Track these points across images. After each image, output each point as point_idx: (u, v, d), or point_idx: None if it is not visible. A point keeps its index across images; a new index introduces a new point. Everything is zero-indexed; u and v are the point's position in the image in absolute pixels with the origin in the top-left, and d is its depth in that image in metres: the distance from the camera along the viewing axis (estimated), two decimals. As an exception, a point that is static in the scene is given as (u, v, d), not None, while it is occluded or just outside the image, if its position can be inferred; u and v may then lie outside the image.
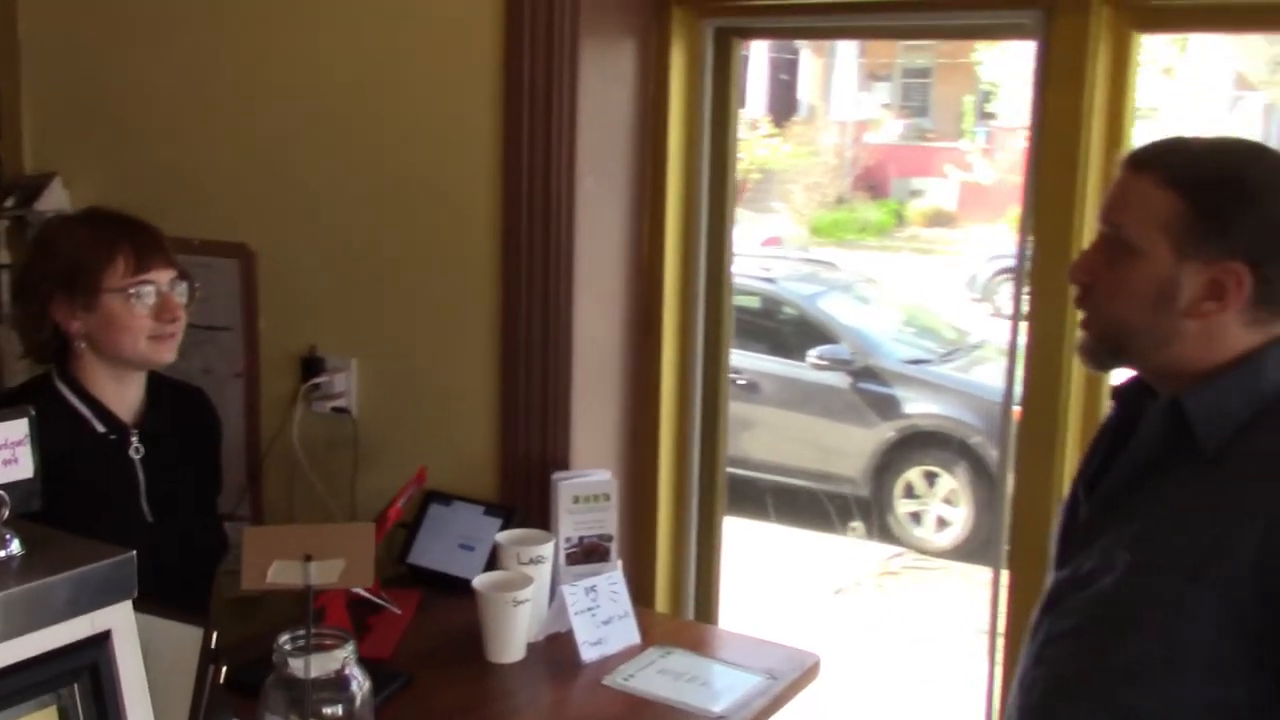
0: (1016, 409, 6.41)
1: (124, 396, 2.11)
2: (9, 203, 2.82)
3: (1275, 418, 1.37)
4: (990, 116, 14.79)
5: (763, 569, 5.76)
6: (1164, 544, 1.37)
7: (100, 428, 2.07)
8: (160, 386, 2.19)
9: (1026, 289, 2.09)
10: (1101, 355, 1.48)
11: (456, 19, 2.33)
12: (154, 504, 2.12)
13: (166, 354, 2.07)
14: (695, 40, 2.38)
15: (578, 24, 2.20)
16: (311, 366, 2.55)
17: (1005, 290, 11.97)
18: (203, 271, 2.19)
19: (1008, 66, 13.09)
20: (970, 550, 6.47)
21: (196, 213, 2.61)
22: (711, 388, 2.49)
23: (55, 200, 2.81)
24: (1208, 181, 1.37)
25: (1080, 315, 1.49)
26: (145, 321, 2.03)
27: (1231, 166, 1.39)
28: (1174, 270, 1.37)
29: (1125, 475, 1.44)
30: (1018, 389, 2.11)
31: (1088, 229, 1.98)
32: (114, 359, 2.06)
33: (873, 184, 16.77)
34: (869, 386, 6.99)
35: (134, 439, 2.11)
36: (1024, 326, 2.11)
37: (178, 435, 2.21)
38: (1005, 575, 2.20)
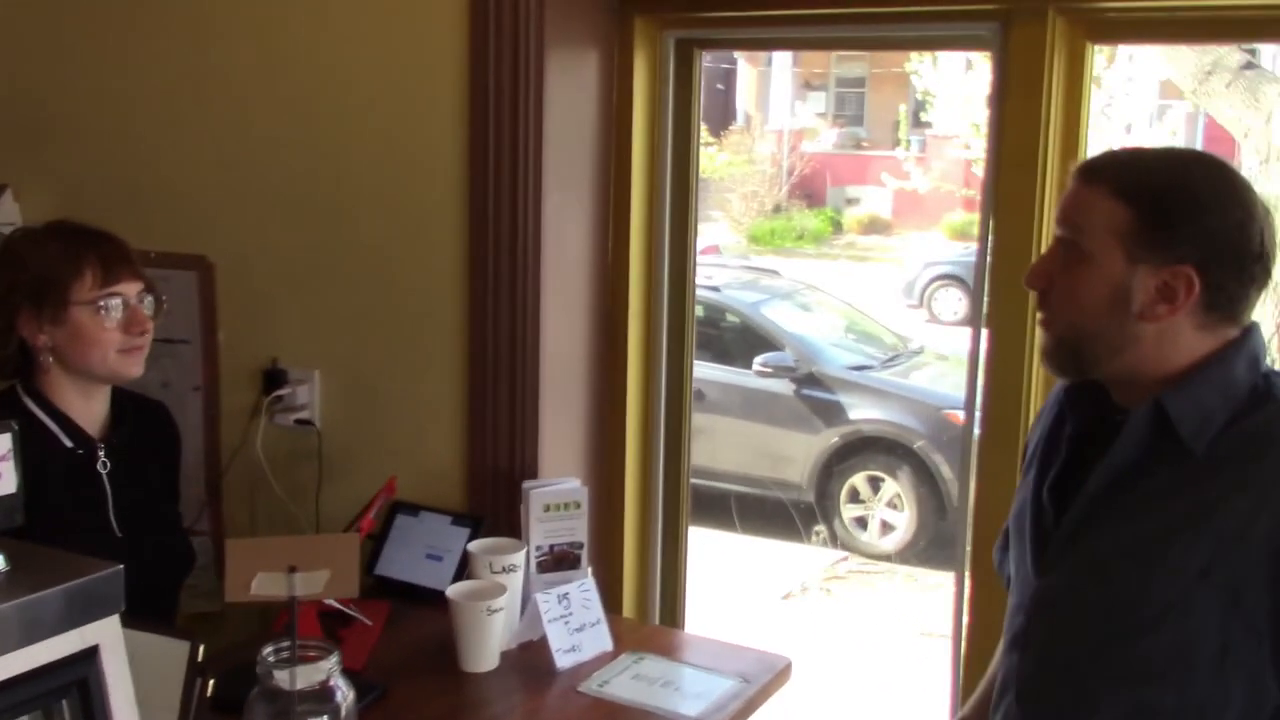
0: (954, 413, 6.38)
1: (90, 411, 2.09)
2: (-42, 216, 2.77)
3: (1252, 413, 1.41)
4: (925, 125, 14.98)
5: (710, 575, 5.79)
6: (1167, 545, 1.41)
7: (68, 443, 2.05)
8: (123, 400, 2.18)
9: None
10: (1062, 359, 1.51)
11: (420, 31, 2.33)
12: (122, 518, 2.10)
13: (135, 368, 2.06)
14: (657, 51, 2.41)
15: (542, 36, 2.21)
16: (273, 379, 2.54)
17: (941, 296, 12.16)
18: (160, 284, 2.17)
19: (941, 76, 13.27)
20: (914, 553, 6.56)
21: (153, 224, 2.58)
22: (675, 396, 2.52)
23: (6, 213, 2.76)
24: (1156, 191, 1.42)
25: (1040, 316, 1.52)
26: (114, 335, 2.01)
27: (1179, 176, 1.44)
28: (1126, 274, 1.42)
29: (1107, 479, 1.47)
30: (980, 395, 2.15)
31: (1047, 235, 2.03)
32: (82, 373, 2.04)
33: (809, 192, 16.93)
34: (812, 393, 7.05)
35: (101, 453, 2.09)
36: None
37: (142, 449, 2.19)
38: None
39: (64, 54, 2.75)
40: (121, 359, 2.03)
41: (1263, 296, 1.47)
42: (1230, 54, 4.81)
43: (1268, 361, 1.47)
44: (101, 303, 2.00)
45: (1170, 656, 1.40)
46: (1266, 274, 1.44)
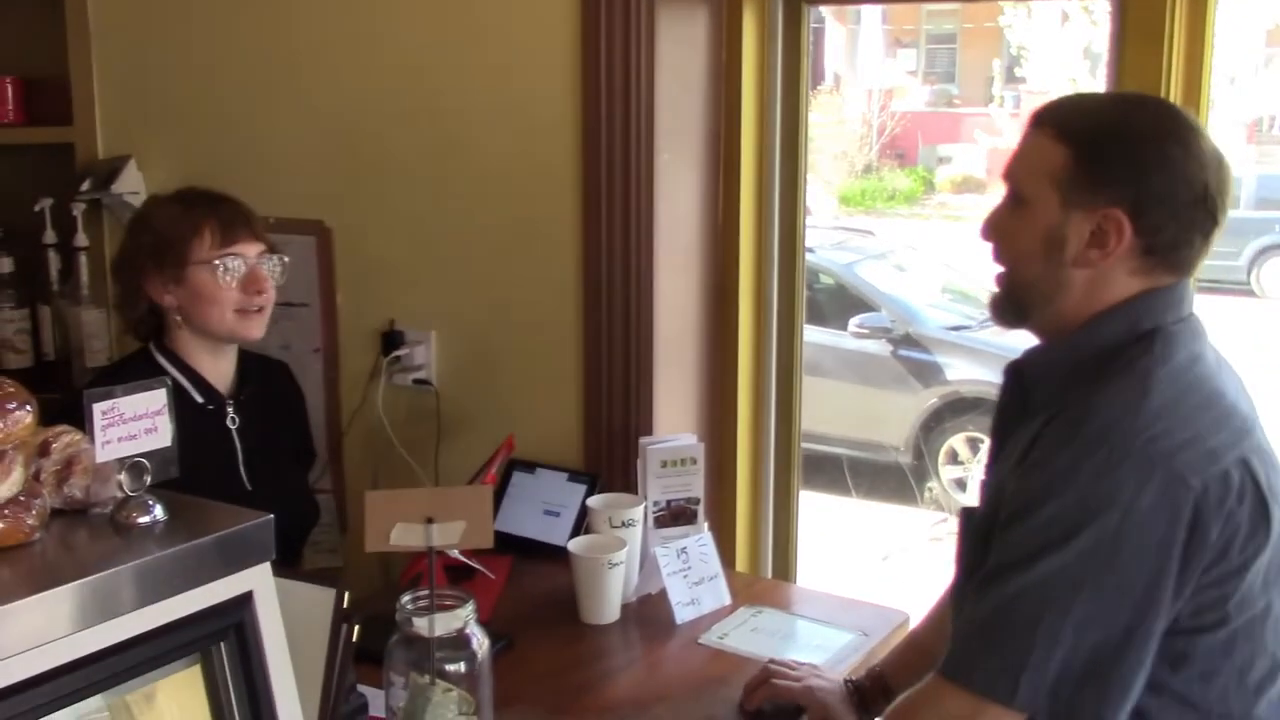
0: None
1: (219, 369, 2.17)
2: (85, 186, 2.86)
3: (1094, 379, 1.40)
4: (1018, 80, 14.68)
5: (810, 536, 5.78)
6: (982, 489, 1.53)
7: (199, 399, 2.12)
8: (248, 360, 2.25)
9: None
10: (1004, 310, 1.53)
11: (532, -8, 2.35)
12: (251, 472, 2.18)
13: (255, 330, 2.13)
14: (765, 7, 2.40)
15: (654, -7, 2.22)
16: (391, 340, 2.59)
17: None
18: (280, 249, 2.23)
19: (1035, 29, 12.99)
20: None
21: (271, 191, 2.63)
22: (786, 352, 2.52)
23: (130, 183, 2.85)
24: (1094, 132, 1.42)
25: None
26: (231, 294, 2.08)
27: (1120, 117, 1.45)
28: (1060, 219, 1.42)
29: (992, 441, 1.57)
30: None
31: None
32: (205, 333, 2.12)
33: (900, 152, 16.69)
34: (910, 354, 6.99)
35: (230, 410, 2.16)
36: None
37: (269, 406, 2.27)
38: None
39: (183, 26, 2.82)
40: (240, 320, 2.10)
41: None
42: (1347, -3, 4.65)
43: (1178, 315, 1.44)
44: (219, 262, 2.07)
45: None
46: (1212, 220, 1.42)
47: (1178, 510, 1.30)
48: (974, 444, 6.69)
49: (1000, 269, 1.52)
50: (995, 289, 1.54)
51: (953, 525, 6.48)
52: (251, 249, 2.13)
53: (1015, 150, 1.49)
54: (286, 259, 2.21)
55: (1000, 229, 1.50)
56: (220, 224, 2.10)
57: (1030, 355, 1.52)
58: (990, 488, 1.52)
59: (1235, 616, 1.36)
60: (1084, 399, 1.38)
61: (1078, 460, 1.33)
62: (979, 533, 1.47)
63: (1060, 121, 1.45)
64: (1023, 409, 1.49)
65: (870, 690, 1.78)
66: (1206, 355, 1.45)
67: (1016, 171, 1.48)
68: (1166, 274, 1.43)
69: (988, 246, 1.52)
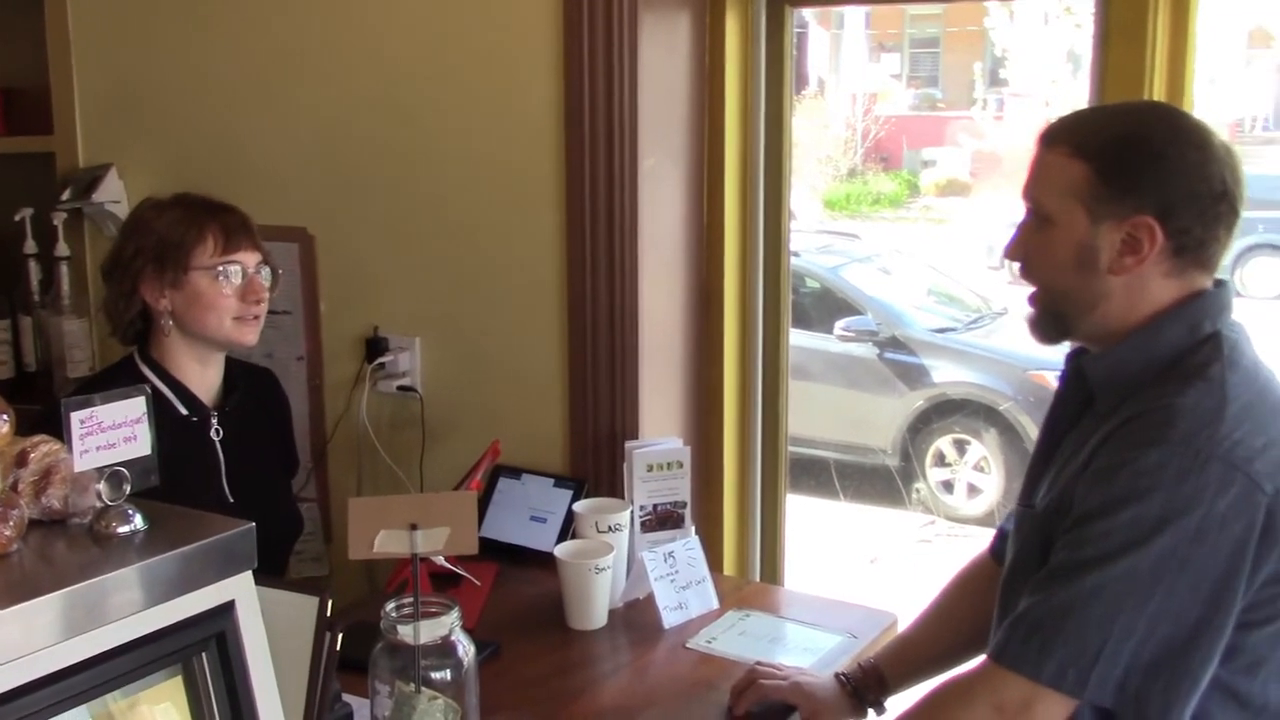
0: (1040, 374, 6.30)
1: (204, 379, 2.15)
2: (65, 195, 2.84)
3: (1162, 385, 1.43)
4: (1002, 83, 14.72)
5: (798, 539, 5.78)
6: (1038, 482, 1.57)
7: (182, 410, 2.11)
8: (234, 369, 2.24)
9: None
10: (1045, 326, 1.56)
11: (513, -4, 2.34)
12: (234, 484, 2.16)
13: (250, 336, 2.12)
14: (748, 10, 2.40)
15: (636, -1, 2.21)
16: (375, 347, 2.58)
17: (1022, 258, 11.92)
18: (267, 257, 2.22)
19: (1018, 32, 13.04)
20: (1003, 516, 6.48)
21: (253, 198, 2.58)
22: (772, 355, 2.52)
23: (111, 192, 2.83)
24: (1111, 144, 1.46)
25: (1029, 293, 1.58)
26: (231, 301, 2.07)
27: (1133, 127, 1.48)
28: (1090, 232, 1.46)
29: (1042, 434, 1.62)
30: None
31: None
32: (199, 338, 2.10)
33: (884, 155, 16.70)
34: (896, 356, 7.00)
35: (214, 420, 2.15)
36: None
37: (253, 416, 2.25)
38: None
39: (162, 34, 2.80)
40: (237, 326, 2.09)
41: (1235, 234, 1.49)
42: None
43: (1229, 320, 1.49)
44: (220, 268, 2.06)
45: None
46: (1234, 212, 1.47)
47: (1253, 514, 1.35)
48: (960, 446, 6.70)
49: (1032, 288, 1.55)
50: (1030, 308, 1.57)
51: (940, 528, 6.52)
52: (251, 258, 2.13)
53: (1030, 172, 1.53)
54: (280, 270, 2.20)
55: (1028, 249, 1.53)
56: (224, 231, 2.10)
57: (1093, 354, 1.54)
58: (1050, 483, 1.54)
59: None
60: (1164, 402, 1.40)
61: (1164, 462, 1.36)
62: (1041, 529, 1.50)
63: (1073, 139, 1.48)
64: (1083, 406, 1.54)
65: (863, 681, 1.79)
66: (1261, 361, 1.49)
67: (1037, 192, 1.51)
68: (1199, 271, 1.48)
69: (1015, 266, 1.55)
